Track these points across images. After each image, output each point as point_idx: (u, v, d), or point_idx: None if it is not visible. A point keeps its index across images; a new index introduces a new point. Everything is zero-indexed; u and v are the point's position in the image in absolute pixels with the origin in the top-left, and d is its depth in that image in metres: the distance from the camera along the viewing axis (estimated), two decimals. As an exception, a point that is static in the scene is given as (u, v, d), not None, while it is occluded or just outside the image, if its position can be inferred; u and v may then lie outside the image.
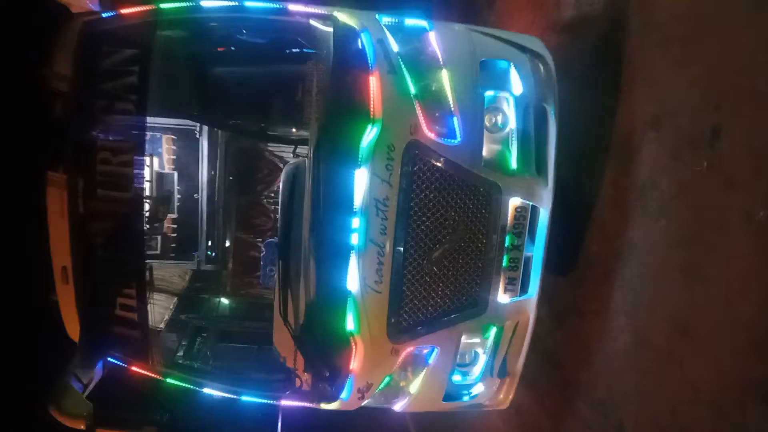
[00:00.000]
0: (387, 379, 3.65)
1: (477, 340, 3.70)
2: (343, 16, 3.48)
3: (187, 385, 4.02)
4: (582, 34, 4.38)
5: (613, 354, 3.78)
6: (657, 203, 3.43)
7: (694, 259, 3.15)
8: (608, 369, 3.82)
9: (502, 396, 3.91)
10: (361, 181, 3.26)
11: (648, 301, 3.50)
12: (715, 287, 3.00)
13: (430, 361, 3.61)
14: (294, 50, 4.51)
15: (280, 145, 5.96)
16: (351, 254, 3.31)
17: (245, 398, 3.96)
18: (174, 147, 5.78)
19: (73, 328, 3.85)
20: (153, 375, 3.94)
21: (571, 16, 4.57)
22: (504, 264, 3.49)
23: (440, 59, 3.40)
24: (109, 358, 3.87)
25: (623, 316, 3.70)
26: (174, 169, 5.78)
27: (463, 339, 3.60)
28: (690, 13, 3.27)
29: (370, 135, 3.24)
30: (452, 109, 3.33)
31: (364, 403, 3.71)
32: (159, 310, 5.05)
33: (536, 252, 3.56)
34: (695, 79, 3.20)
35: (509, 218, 3.43)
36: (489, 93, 3.44)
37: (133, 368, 3.89)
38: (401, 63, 3.35)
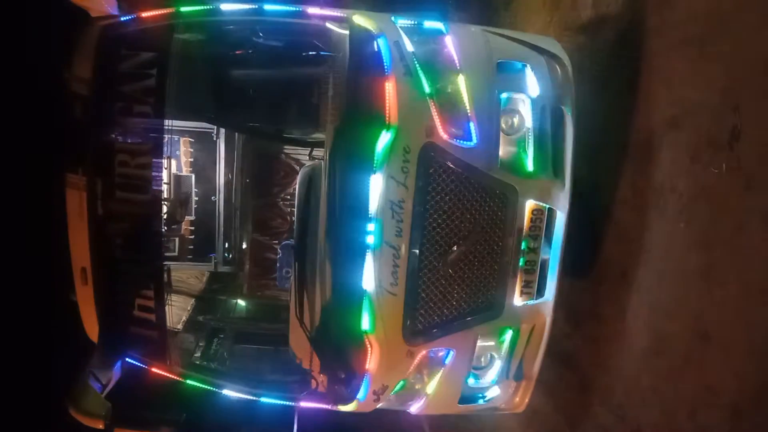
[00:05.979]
0: (402, 381, 3.64)
1: (493, 342, 3.68)
2: (359, 19, 3.48)
3: (204, 386, 4.05)
4: (599, 34, 4.34)
5: (631, 357, 3.74)
6: (675, 205, 3.40)
7: (713, 262, 3.11)
8: (626, 372, 3.79)
9: (518, 399, 3.88)
10: (376, 184, 3.26)
11: (666, 304, 3.46)
12: (734, 290, 2.96)
13: (446, 364, 3.60)
14: (310, 53, 4.52)
15: (297, 147, 5.99)
16: (366, 257, 3.31)
17: (262, 399, 3.98)
18: (191, 149, 5.83)
19: (92, 329, 3.90)
20: (170, 375, 3.98)
21: (588, 17, 4.54)
22: (520, 267, 3.46)
23: (456, 61, 3.39)
24: (127, 359, 3.91)
25: (641, 319, 3.66)
26: (191, 172, 5.83)
27: (479, 342, 3.58)
28: (708, 13, 3.23)
29: (385, 137, 3.23)
30: (468, 111, 3.31)
31: (380, 405, 3.71)
32: (177, 311, 5.09)
33: (553, 255, 3.53)
34: (714, 80, 3.16)
35: (526, 221, 3.40)
36: (505, 95, 3.42)
37: (151, 369, 3.93)
38: (417, 65, 3.34)
